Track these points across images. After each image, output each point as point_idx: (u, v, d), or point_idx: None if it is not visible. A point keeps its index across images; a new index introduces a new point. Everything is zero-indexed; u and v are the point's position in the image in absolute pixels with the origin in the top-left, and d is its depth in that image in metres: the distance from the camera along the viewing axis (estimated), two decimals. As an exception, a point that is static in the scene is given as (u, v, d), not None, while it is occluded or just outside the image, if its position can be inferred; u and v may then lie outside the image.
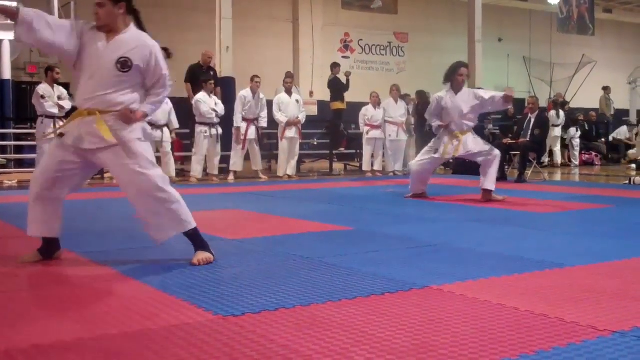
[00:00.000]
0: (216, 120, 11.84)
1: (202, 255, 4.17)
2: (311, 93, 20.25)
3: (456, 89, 8.17)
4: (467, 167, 13.84)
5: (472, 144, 8.13)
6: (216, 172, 12.10)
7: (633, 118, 20.87)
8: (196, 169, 11.91)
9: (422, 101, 16.08)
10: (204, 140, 11.74)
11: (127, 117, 4.03)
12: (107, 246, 4.96)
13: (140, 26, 4.23)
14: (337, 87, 15.24)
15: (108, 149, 4.05)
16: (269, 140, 14.24)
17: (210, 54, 13.26)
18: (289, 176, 12.53)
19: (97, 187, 10.80)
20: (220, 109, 11.91)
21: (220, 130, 11.93)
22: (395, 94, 13.84)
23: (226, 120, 12.18)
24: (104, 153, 4.08)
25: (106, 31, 4.09)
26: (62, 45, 4.02)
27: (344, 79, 15.23)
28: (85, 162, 4.17)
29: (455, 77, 8.15)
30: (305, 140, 14.77)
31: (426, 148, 8.56)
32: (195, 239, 4.25)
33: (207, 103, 11.72)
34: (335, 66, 15.42)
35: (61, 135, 4.12)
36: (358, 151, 15.44)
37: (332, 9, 21.01)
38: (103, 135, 3.99)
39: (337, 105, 15.30)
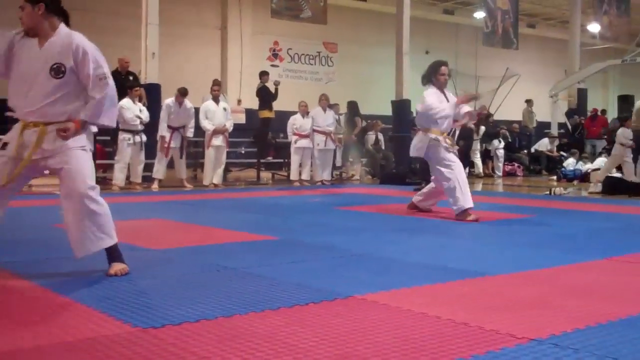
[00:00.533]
0: (140, 127, 11.66)
1: (119, 267, 4.06)
2: (239, 101, 20.16)
3: (441, 89, 7.59)
4: (393, 177, 14.02)
5: None
6: (139, 180, 11.89)
7: (554, 130, 21.41)
8: (118, 177, 11.64)
9: (352, 111, 16.18)
10: (127, 148, 11.52)
11: (61, 135, 3.87)
12: (24, 256, 4.81)
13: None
14: (266, 96, 15.19)
15: (53, 157, 3.93)
16: (195, 148, 14.10)
17: (127, 59, 13.08)
18: (215, 185, 12.42)
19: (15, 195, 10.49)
20: (145, 115, 11.73)
21: (144, 138, 11.76)
22: (323, 103, 13.87)
23: (151, 127, 12.03)
24: (48, 161, 3.96)
25: (33, 35, 3.96)
26: None
27: (272, 88, 15.19)
28: (30, 169, 4.05)
29: (437, 76, 7.57)
30: (232, 149, 14.67)
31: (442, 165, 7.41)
32: (113, 251, 4.13)
33: (132, 110, 11.53)
34: (263, 74, 15.35)
35: (4, 145, 3.96)
36: (286, 160, 15.41)
37: (261, 17, 20.96)
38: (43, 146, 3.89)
39: (266, 113, 15.24)
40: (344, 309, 3.23)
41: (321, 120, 13.76)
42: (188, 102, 12.10)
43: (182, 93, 11.97)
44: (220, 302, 3.32)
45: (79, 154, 3.97)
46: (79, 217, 3.94)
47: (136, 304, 3.31)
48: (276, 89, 15.15)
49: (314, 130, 13.67)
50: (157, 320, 2.98)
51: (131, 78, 12.96)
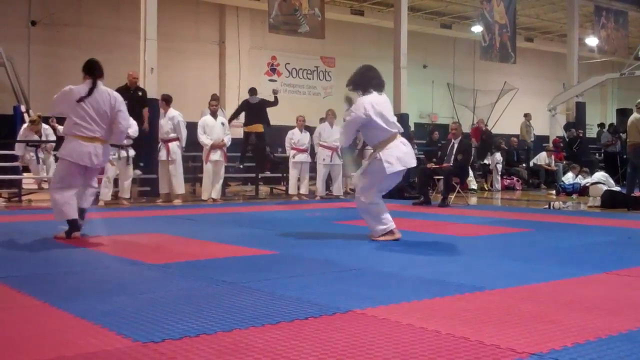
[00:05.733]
0: (126, 142, 11.30)
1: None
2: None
3: None
4: (391, 191, 13.98)
5: None
6: (127, 195, 11.74)
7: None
8: (103, 192, 11.38)
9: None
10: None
11: None
12: (23, 271, 4.81)
13: None
14: (262, 110, 15.24)
15: None
16: (193, 163, 14.11)
17: (136, 74, 13.11)
18: (214, 199, 12.40)
19: (15, 209, 10.50)
20: (133, 130, 11.51)
21: (131, 152, 11.65)
22: (331, 119, 13.82)
23: (145, 141, 12.12)
24: None
25: None
26: None
27: (272, 97, 15.27)
28: None
29: None
30: (230, 164, 14.67)
31: None
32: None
33: None
34: (252, 92, 15.36)
35: None
36: (284, 174, 15.42)
37: (258, 32, 21.07)
38: None
39: (259, 127, 15.29)
40: (344, 323, 3.22)
41: (327, 135, 13.73)
42: (173, 112, 12.10)
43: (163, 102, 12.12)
44: (220, 317, 3.32)
45: None
46: None
47: (136, 318, 3.31)
48: (276, 97, 15.23)
49: (319, 145, 13.66)
50: (157, 334, 2.98)
51: (140, 93, 12.99)
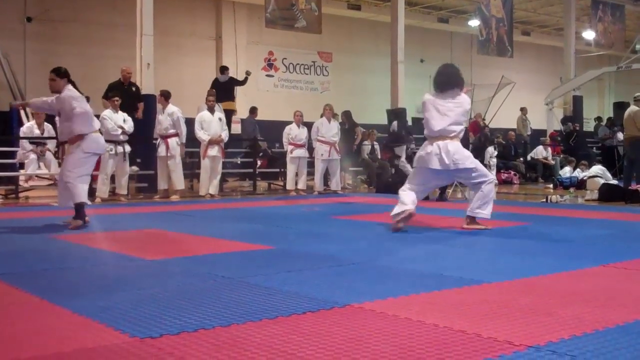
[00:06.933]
0: (123, 137, 11.48)
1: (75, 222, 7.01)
2: (234, 111, 20.16)
3: None
4: (389, 186, 13.99)
5: None
6: (124, 191, 11.74)
7: (552, 138, 21.51)
8: (100, 188, 11.38)
9: (348, 121, 16.17)
10: (109, 159, 11.27)
11: None
12: (21, 268, 4.80)
13: None
14: (230, 87, 15.42)
15: None
16: (191, 159, 14.09)
17: (129, 69, 13.09)
18: (211, 195, 12.40)
19: (11, 206, 10.49)
20: (129, 126, 11.60)
21: (127, 148, 11.63)
22: (328, 114, 13.83)
23: (140, 138, 12.14)
24: None
25: None
26: None
27: (242, 77, 15.63)
28: None
29: None
30: (228, 159, 14.66)
31: None
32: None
33: (113, 119, 11.37)
34: (223, 70, 15.60)
35: None
36: (282, 170, 15.41)
37: (255, 27, 21.02)
38: None
39: (230, 105, 15.40)
40: (342, 317, 3.23)
41: (325, 131, 13.73)
42: (172, 108, 12.07)
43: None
44: (217, 312, 3.32)
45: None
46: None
47: (134, 314, 3.31)
48: (246, 78, 15.48)
49: (317, 140, 13.66)
50: (155, 330, 2.98)
51: (134, 89, 12.97)
